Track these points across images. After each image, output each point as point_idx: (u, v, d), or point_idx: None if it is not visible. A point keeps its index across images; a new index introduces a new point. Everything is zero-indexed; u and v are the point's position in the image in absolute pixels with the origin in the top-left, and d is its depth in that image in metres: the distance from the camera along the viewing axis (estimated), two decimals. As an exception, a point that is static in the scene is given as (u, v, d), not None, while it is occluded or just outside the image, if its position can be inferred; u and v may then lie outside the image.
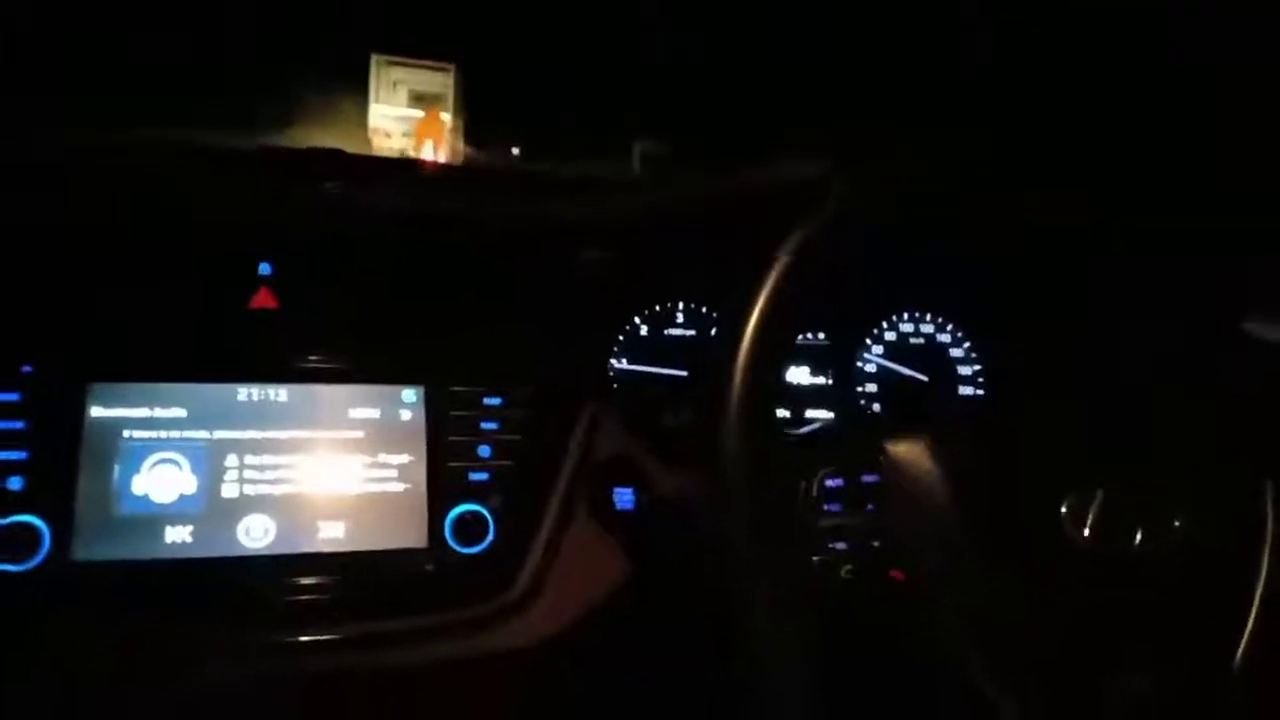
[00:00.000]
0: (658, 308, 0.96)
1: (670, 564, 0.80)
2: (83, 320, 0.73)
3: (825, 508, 0.72)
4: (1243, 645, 0.58)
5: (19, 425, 0.69)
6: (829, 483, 0.74)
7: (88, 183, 0.77)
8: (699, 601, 0.76)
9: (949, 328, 1.03)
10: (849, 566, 0.70)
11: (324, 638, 0.70)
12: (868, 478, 0.72)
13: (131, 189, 0.78)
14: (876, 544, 0.71)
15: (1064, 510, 0.62)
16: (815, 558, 0.72)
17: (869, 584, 0.71)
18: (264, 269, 0.79)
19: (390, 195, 0.84)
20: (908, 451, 0.66)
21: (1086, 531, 0.61)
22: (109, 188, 0.77)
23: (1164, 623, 0.60)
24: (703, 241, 0.95)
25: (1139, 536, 0.61)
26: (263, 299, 0.78)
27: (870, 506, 0.71)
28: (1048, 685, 0.59)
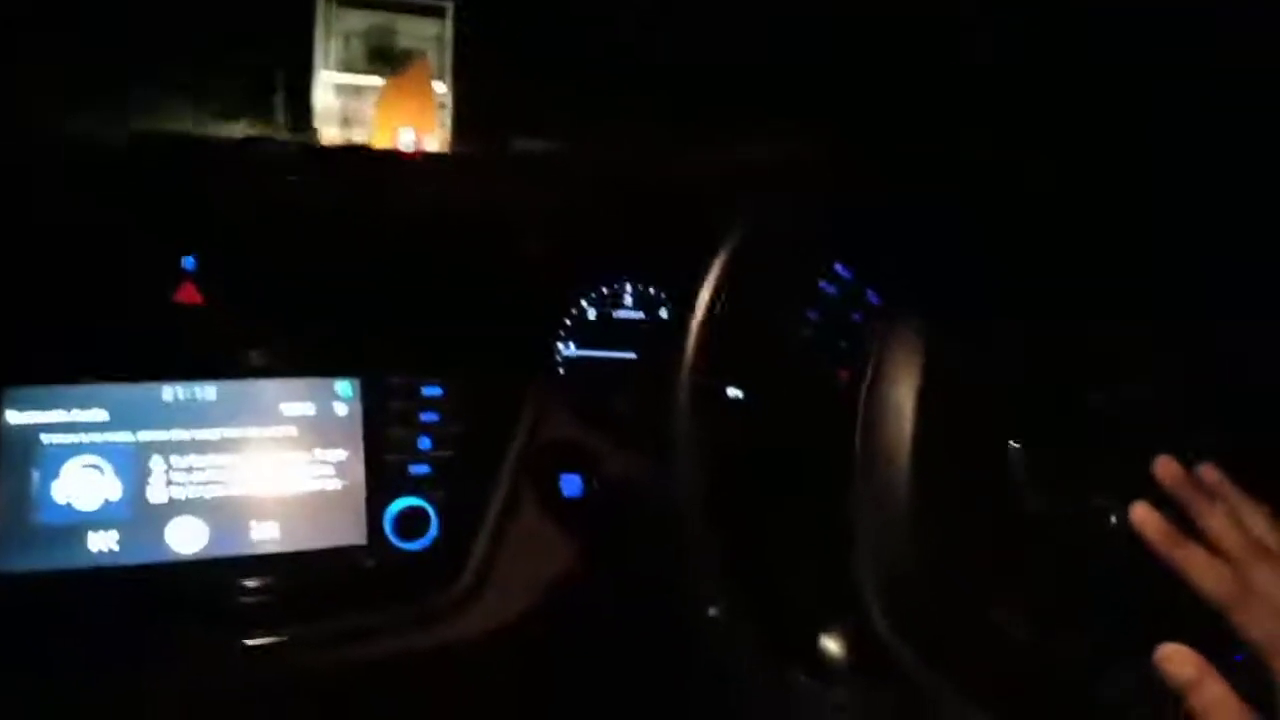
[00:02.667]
0: (604, 289, 0.94)
1: (619, 549, 0.79)
2: (-6, 321, 0.70)
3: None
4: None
5: (-71, 436, 0.65)
6: (822, 285, 0.72)
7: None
8: (649, 586, 0.76)
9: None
10: (809, 333, 0.70)
11: (264, 641, 0.68)
12: (856, 316, 0.71)
13: (45, 179, 0.75)
14: (843, 344, 0.71)
15: (1011, 448, 0.60)
16: (778, 312, 0.70)
17: (812, 364, 0.72)
18: (187, 263, 0.76)
19: (324, 187, 0.82)
20: (906, 338, 0.63)
21: (1025, 483, 0.60)
22: (20, 177, 0.74)
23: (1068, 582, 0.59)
24: (651, 221, 0.93)
25: (1070, 502, 0.60)
26: (187, 293, 0.75)
27: (855, 315, 0.70)
28: (929, 607, 0.58)
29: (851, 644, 0.64)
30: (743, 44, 0.93)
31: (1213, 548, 0.50)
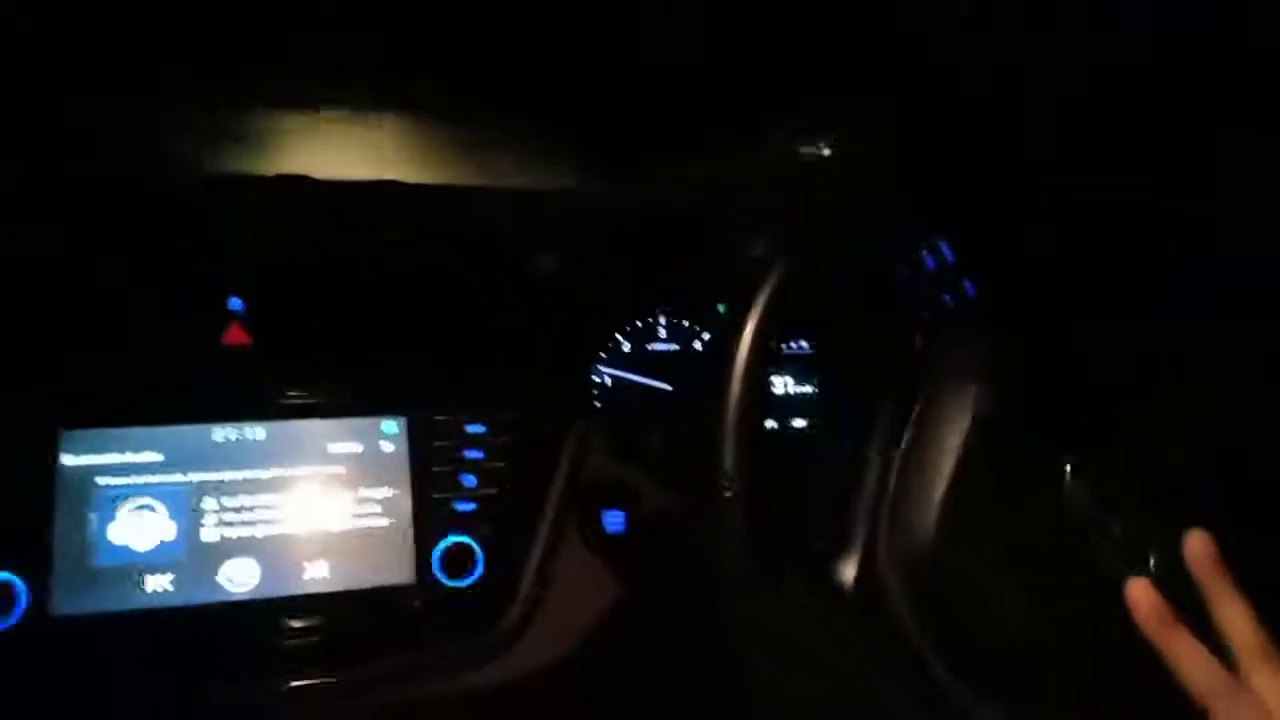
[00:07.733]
0: (639, 323, 0.95)
1: (664, 586, 0.79)
2: (50, 366, 0.71)
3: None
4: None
5: (-12, 479, 0.67)
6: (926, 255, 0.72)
7: (48, 217, 0.75)
8: (694, 623, 0.76)
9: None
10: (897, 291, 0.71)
11: (314, 681, 0.68)
12: (948, 297, 0.70)
13: (92, 224, 0.76)
14: (927, 316, 0.70)
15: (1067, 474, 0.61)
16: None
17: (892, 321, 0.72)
18: (234, 304, 0.77)
19: (364, 220, 0.83)
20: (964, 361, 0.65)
21: (1074, 504, 0.60)
22: (70, 222, 0.75)
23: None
24: (682, 248, 0.94)
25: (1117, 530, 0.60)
26: (235, 335, 0.76)
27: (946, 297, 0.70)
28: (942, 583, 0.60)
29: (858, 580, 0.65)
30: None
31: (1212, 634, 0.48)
